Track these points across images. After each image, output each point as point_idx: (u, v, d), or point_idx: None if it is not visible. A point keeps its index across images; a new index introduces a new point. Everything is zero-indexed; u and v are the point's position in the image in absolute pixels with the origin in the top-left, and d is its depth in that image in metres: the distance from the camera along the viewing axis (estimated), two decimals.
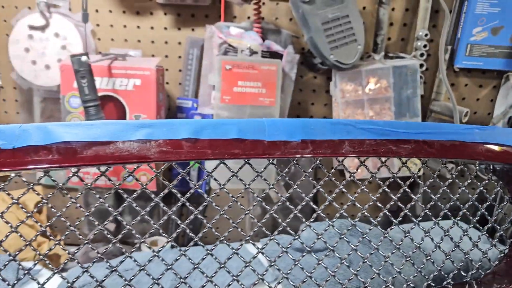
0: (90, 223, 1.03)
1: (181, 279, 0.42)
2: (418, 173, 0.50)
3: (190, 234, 0.44)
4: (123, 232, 0.44)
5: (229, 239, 1.11)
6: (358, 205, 0.48)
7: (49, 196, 0.43)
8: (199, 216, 0.44)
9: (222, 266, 0.44)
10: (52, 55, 0.91)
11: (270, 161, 0.45)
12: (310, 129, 0.41)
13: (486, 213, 0.53)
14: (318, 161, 0.45)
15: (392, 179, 0.48)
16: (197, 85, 0.96)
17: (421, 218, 0.50)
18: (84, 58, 0.77)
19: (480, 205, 0.52)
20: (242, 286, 0.45)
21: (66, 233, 0.43)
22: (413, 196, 0.49)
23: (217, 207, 0.44)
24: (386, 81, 0.87)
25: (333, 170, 0.46)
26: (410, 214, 0.48)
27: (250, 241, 0.45)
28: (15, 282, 0.40)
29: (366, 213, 0.47)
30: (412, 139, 0.43)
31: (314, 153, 0.40)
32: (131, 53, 0.93)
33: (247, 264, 0.45)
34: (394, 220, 0.48)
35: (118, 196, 0.99)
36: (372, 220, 0.48)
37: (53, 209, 0.44)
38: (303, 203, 0.45)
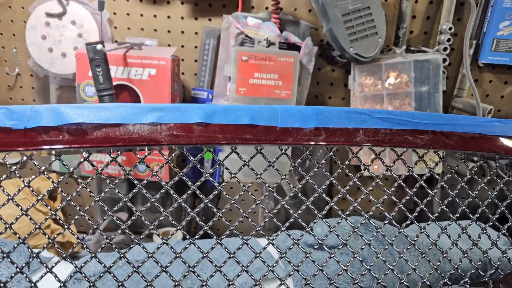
0: (103, 212, 1.03)
1: (190, 268, 0.42)
2: (435, 168, 0.48)
3: (200, 222, 0.43)
4: (132, 218, 0.43)
5: (241, 232, 1.10)
6: (373, 199, 0.46)
7: (59, 180, 0.43)
8: (210, 205, 0.43)
9: (231, 256, 0.43)
10: (69, 43, 0.91)
11: (283, 151, 0.44)
12: (324, 116, 0.39)
13: (507, 211, 0.51)
14: (331, 153, 0.44)
15: (409, 173, 0.46)
16: (212, 76, 0.95)
17: (437, 214, 0.48)
18: (99, 46, 0.77)
19: (500, 203, 0.50)
20: (252, 277, 0.44)
21: (76, 217, 0.42)
22: (430, 191, 0.47)
23: (227, 196, 0.44)
24: (406, 75, 0.85)
25: (347, 162, 0.45)
26: (426, 209, 0.47)
27: (261, 232, 0.44)
28: (23, 265, 0.40)
29: (380, 207, 0.45)
30: (430, 130, 0.41)
31: (328, 141, 0.39)
32: (147, 43, 0.93)
33: (257, 255, 0.44)
34: (410, 216, 0.46)
35: (131, 186, 0.99)
36: (387, 215, 0.46)
37: (63, 193, 0.43)
38: (316, 194, 0.44)
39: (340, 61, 0.91)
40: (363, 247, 0.46)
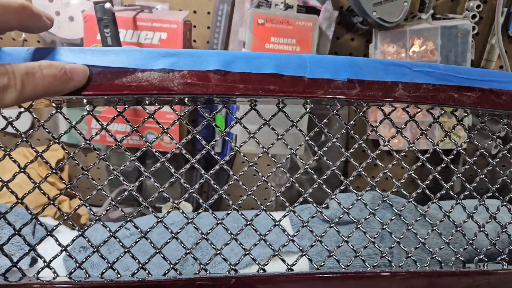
0: (111, 184, 1.00)
1: (203, 235, 0.38)
2: (461, 146, 0.43)
3: (215, 185, 0.39)
4: (140, 179, 0.39)
5: (252, 208, 1.07)
6: (413, 169, 0.42)
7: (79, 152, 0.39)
8: (225, 166, 0.39)
9: (249, 222, 0.39)
10: (76, 6, 0.87)
11: (308, 110, 0.39)
12: (359, 68, 0.35)
13: None
14: (361, 113, 0.40)
15: (445, 138, 0.42)
16: (226, 44, 0.90)
17: (462, 196, 0.44)
18: (107, 5, 0.72)
19: None
20: (271, 247, 0.40)
21: (79, 176, 0.39)
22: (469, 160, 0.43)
23: (245, 157, 0.39)
24: (432, 43, 0.80)
25: (378, 124, 0.40)
26: (465, 180, 0.42)
27: (281, 198, 0.40)
28: (21, 227, 0.37)
29: (399, 186, 0.41)
30: (477, 87, 0.37)
31: (362, 95, 0.34)
32: (158, 7, 0.88)
33: (276, 223, 0.40)
34: (445, 185, 0.42)
35: (141, 158, 0.96)
36: (420, 184, 0.42)
37: (75, 162, 0.40)
38: (343, 159, 0.40)
39: (361, 28, 0.86)
40: (393, 217, 0.42)
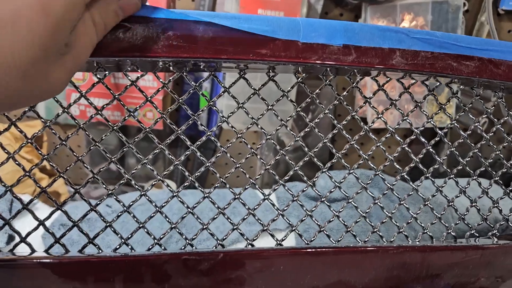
0: (92, 162, 0.98)
1: (188, 209, 0.36)
2: (448, 125, 0.42)
3: (202, 158, 0.37)
4: (123, 151, 0.37)
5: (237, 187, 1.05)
6: (385, 149, 0.41)
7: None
8: (213, 138, 0.37)
9: (236, 197, 0.38)
10: None
11: (299, 79, 0.38)
12: (355, 33, 0.33)
13: None
14: (355, 84, 0.38)
15: (430, 120, 0.41)
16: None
17: (452, 174, 0.43)
18: None
19: None
20: (259, 221, 0.38)
21: (48, 154, 0.36)
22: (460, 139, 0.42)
23: (233, 128, 0.38)
24: (423, 18, 0.78)
25: (372, 95, 0.38)
26: (462, 161, 0.41)
27: (270, 171, 0.38)
28: None
29: (392, 159, 0.40)
30: (476, 56, 0.35)
31: (358, 62, 0.33)
32: None
33: (265, 197, 0.38)
34: (439, 165, 0.41)
35: (125, 136, 0.93)
36: (413, 157, 0.41)
37: (54, 141, 0.37)
38: (328, 139, 0.38)
39: (351, 3, 0.84)
40: (385, 192, 0.41)
